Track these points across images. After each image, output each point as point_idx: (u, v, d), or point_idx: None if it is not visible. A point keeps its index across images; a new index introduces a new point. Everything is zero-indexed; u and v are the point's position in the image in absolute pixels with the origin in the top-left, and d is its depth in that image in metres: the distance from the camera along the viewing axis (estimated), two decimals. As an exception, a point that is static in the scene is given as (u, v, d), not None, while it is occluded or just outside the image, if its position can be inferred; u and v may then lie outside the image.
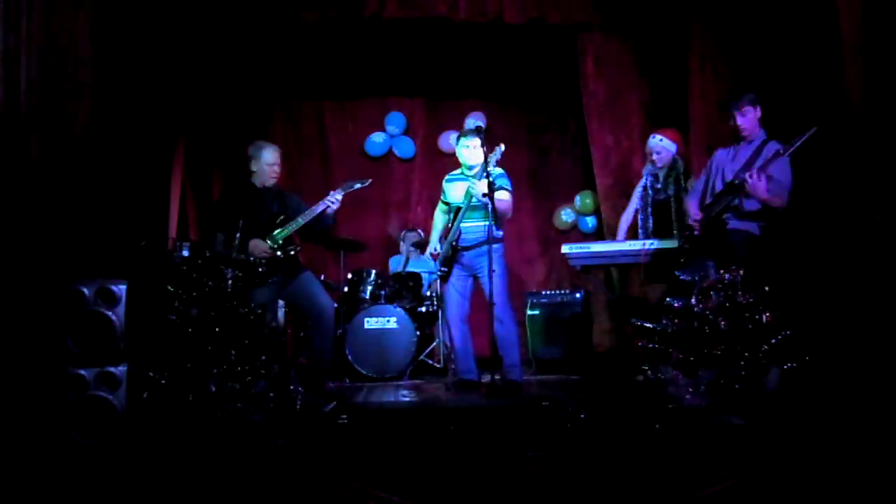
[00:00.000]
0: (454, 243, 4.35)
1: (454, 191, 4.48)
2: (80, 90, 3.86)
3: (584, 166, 5.95)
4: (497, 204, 4.18)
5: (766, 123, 4.06)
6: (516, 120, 6.97)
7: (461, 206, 4.36)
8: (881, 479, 2.40)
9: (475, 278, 4.42)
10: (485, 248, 4.18)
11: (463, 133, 4.51)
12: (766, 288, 3.26)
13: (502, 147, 4.31)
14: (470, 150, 4.38)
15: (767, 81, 4.16)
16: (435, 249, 4.59)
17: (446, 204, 4.57)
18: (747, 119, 3.87)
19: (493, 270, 4.08)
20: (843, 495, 2.30)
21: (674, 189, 4.50)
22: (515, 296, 4.96)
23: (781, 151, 3.57)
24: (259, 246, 3.96)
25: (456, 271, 4.42)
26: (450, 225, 4.48)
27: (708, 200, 3.99)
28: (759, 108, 3.88)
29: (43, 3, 3.80)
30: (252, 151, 4.13)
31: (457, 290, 4.42)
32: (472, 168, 4.39)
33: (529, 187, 6.89)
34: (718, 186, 3.95)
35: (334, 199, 4.02)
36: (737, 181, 3.75)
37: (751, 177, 3.61)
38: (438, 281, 4.56)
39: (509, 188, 4.37)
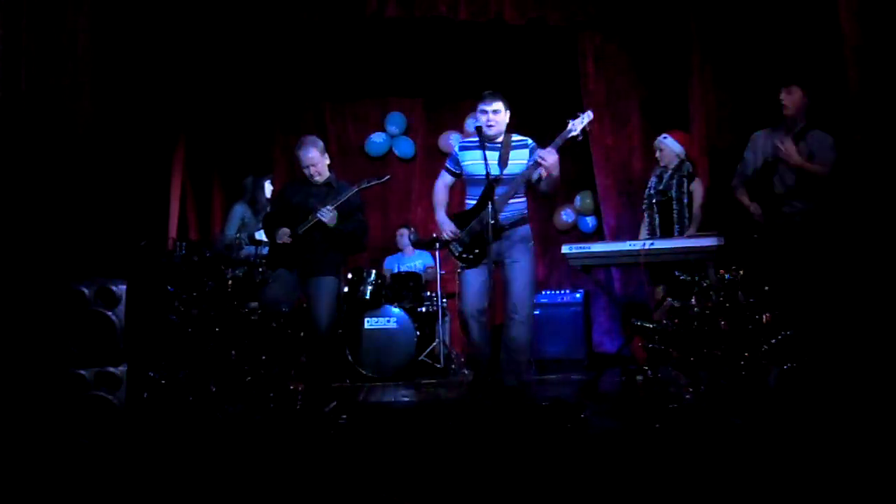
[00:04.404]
0: (491, 223, 3.62)
1: (472, 160, 3.88)
2: (80, 90, 3.86)
3: (584, 166, 5.95)
4: (553, 178, 3.81)
5: (767, 123, 4.06)
6: (516, 120, 6.97)
7: (496, 176, 3.75)
8: (881, 479, 2.40)
9: (497, 265, 3.80)
10: (520, 229, 3.84)
11: (483, 96, 3.89)
12: (766, 288, 3.27)
13: (590, 114, 3.91)
14: (489, 116, 3.82)
15: (768, 81, 4.16)
16: (454, 232, 3.88)
17: (455, 175, 4.00)
18: (793, 98, 3.88)
19: (518, 260, 3.74)
20: (843, 495, 2.30)
21: (676, 190, 4.49)
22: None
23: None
24: (282, 233, 4.06)
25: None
26: (473, 201, 3.88)
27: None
28: (806, 95, 3.90)
29: (43, 3, 3.80)
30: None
31: (477, 278, 3.79)
32: (495, 138, 3.87)
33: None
34: None
35: (325, 213, 3.92)
36: (770, 159, 3.88)
37: (781, 143, 3.74)
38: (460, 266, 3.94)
39: None
